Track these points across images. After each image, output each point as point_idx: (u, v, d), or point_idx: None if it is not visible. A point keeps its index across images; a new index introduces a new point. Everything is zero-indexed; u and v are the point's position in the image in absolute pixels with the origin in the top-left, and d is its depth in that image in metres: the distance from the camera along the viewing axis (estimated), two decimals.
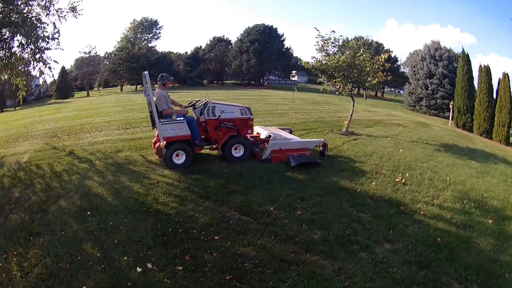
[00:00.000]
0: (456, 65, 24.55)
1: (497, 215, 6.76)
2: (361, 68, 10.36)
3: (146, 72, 6.45)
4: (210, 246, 4.28)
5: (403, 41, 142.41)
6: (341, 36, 10.44)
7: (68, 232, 4.37)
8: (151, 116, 6.60)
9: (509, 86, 19.00)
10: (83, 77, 53.89)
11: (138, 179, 6.11)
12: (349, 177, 7.34)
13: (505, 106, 19.09)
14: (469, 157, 12.45)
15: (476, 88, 21.44)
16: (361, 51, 10.28)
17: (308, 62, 10.74)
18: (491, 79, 20.53)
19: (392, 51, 55.60)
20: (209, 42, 60.98)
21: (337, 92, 11.92)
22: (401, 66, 55.78)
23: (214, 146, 7.20)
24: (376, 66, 10.71)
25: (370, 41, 53.30)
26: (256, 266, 4.01)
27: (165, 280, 3.62)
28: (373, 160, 8.98)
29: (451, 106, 23.73)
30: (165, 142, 6.37)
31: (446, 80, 29.74)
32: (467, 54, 23.08)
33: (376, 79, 10.76)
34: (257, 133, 8.33)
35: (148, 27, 56.08)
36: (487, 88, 20.49)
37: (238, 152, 7.14)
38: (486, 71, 20.69)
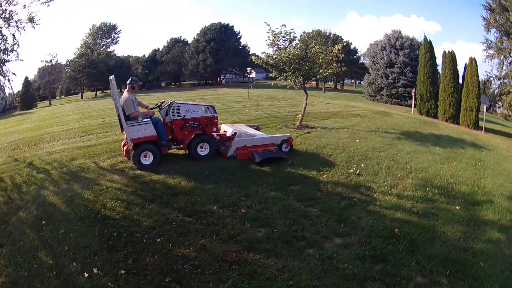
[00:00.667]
0: (418, 53, 27.37)
1: (465, 201, 7.27)
2: (313, 61, 11.60)
3: (112, 76, 7.63)
4: (152, 249, 4.80)
5: (365, 33, 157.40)
6: (291, 29, 11.51)
7: (26, 242, 5.02)
8: (120, 120, 7.50)
9: (477, 71, 21.25)
10: (45, 86, 61.07)
11: (89, 186, 6.95)
12: (298, 171, 7.94)
13: (473, 91, 21.36)
14: (433, 143, 13.34)
15: (440, 74, 24.31)
16: (313, 43, 11.78)
17: (258, 58, 11.85)
18: (456, 65, 23.00)
19: (350, 43, 61.96)
20: (166, 44, 69.08)
21: (288, 86, 13.01)
22: (361, 57, 62.74)
23: (182, 146, 8.28)
24: (330, 58, 11.95)
25: (327, 34, 59.99)
26: (196, 267, 4.46)
27: (109, 284, 4.10)
28: (326, 152, 9.74)
29: (413, 94, 26.50)
30: (132, 143, 7.37)
31: (407, 69, 33.26)
32: (430, 40, 25.65)
33: (329, 71, 12.11)
34: (224, 131, 9.59)
35: (107, 32, 63.98)
36: (452, 73, 22.82)
37: (203, 150, 8.25)
38: (450, 57, 23.04)
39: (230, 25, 64.10)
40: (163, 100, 8.69)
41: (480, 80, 22.16)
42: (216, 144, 8.56)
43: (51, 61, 58.86)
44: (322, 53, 11.85)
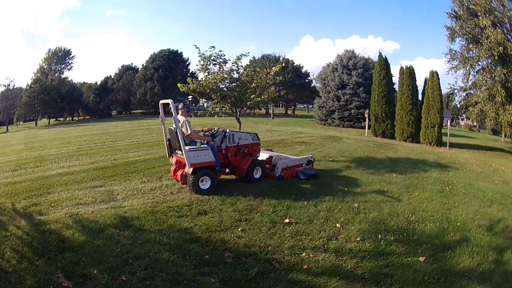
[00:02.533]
0: (373, 72, 27.98)
1: (432, 247, 6.21)
2: (244, 85, 11.51)
3: (171, 100, 8.62)
4: None
5: (320, 56, 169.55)
6: (220, 51, 11.39)
7: None
8: (169, 145, 9.05)
9: (438, 84, 21.98)
10: (3, 111, 62.22)
11: None
12: (206, 224, 6.64)
13: (434, 106, 21.94)
14: (389, 169, 12.47)
15: (397, 92, 25.06)
16: (247, 67, 12.02)
17: (184, 85, 11.37)
18: (415, 80, 23.83)
19: (302, 66, 65.66)
20: (117, 71, 72.49)
21: (216, 116, 12.52)
22: (314, 80, 63.57)
23: (227, 171, 9.30)
24: (265, 82, 11.77)
25: (276, 57, 62.37)
26: None
27: None
28: (252, 195, 8.41)
29: (366, 115, 27.25)
30: (191, 168, 8.01)
31: (361, 89, 34.37)
32: (385, 57, 26.24)
33: (265, 96, 11.77)
34: None
35: (62, 57, 66.60)
36: (410, 90, 23.56)
37: (256, 174, 9.46)
38: (408, 72, 23.78)
39: (179, 51, 67.70)
40: (214, 128, 9.83)
41: (442, 94, 23.11)
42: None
43: (8, 85, 61.34)
44: (256, 76, 11.63)
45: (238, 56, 11.61)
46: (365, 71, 35.89)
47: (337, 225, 6.91)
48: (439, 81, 22.60)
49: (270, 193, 8.48)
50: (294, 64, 64.87)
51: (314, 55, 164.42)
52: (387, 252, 5.85)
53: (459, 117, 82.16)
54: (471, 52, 21.63)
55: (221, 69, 11.53)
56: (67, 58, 67.63)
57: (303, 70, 66.30)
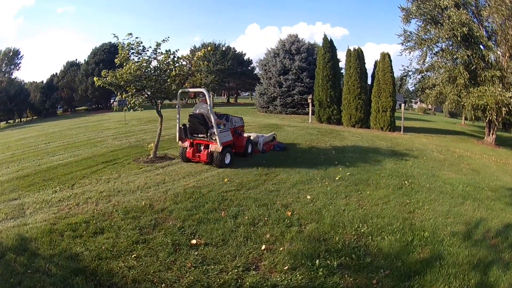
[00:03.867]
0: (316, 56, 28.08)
1: (392, 272, 4.72)
2: (163, 74, 11.25)
3: (205, 88, 10.86)
4: None
5: (266, 44, 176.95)
6: (137, 37, 11.13)
7: None
8: (183, 129, 10.72)
9: (390, 67, 22.07)
10: None
11: None
12: (98, 248, 5.33)
13: (386, 89, 22.03)
14: (334, 161, 11.15)
15: (344, 75, 25.13)
16: (164, 52, 11.33)
17: (99, 78, 11.10)
18: (364, 63, 23.75)
19: (244, 53, 65.90)
20: (62, 68, 70.89)
21: (131, 110, 11.96)
22: (257, 68, 61.56)
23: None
24: (188, 68, 11.76)
25: (216, 45, 61.76)
26: None
27: None
28: (160, 206, 7.03)
29: (309, 100, 26.58)
30: (222, 147, 9.89)
31: (304, 74, 33.78)
32: (330, 39, 25.93)
33: (187, 84, 11.76)
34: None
35: (11, 57, 65.55)
36: (358, 73, 23.33)
37: (249, 149, 11.80)
38: (356, 55, 23.53)
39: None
40: (220, 113, 11.72)
41: (394, 76, 22.95)
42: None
43: None
44: (176, 63, 11.33)
45: (157, 43, 11.19)
46: (309, 55, 35.68)
47: (261, 246, 5.25)
48: (391, 63, 22.45)
49: (179, 203, 7.12)
50: (236, 52, 64.57)
51: (260, 43, 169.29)
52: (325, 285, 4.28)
53: (412, 100, 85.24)
54: (429, 34, 21.56)
55: (139, 58, 11.22)
56: (15, 58, 67.21)
57: (245, 58, 66.10)
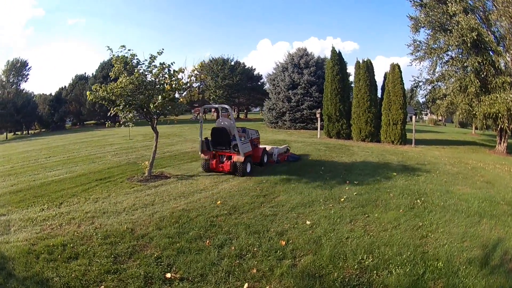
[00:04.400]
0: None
1: None
2: (155, 88, 10.94)
3: (227, 106, 11.94)
4: None
5: (277, 59, 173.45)
6: (129, 50, 10.93)
7: None
8: (206, 142, 11.56)
9: (401, 78, 21.67)
10: None
11: None
12: (68, 275, 4.88)
13: (396, 101, 21.58)
14: (340, 179, 10.41)
15: (353, 88, 24.67)
16: (154, 66, 11.04)
17: (91, 92, 10.85)
18: (374, 75, 23.41)
19: (254, 68, 66.46)
20: (71, 81, 72.99)
21: (123, 126, 11.89)
22: (266, 83, 61.67)
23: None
24: (184, 82, 11.27)
25: (225, 60, 61.66)
26: None
27: None
28: (143, 227, 6.62)
29: (318, 115, 26.54)
30: (243, 156, 10.83)
31: (313, 88, 33.97)
32: (339, 51, 25.55)
33: (183, 99, 11.48)
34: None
35: (19, 68, 67.21)
36: (368, 85, 22.97)
37: (265, 160, 12.68)
38: (366, 67, 23.16)
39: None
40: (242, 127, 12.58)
41: (405, 88, 22.36)
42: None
43: None
44: (172, 77, 11.02)
45: (152, 55, 10.94)
46: (318, 69, 35.25)
47: (244, 284, 4.51)
48: (401, 74, 21.89)
49: (163, 228, 6.54)
50: (246, 67, 64.36)
51: (271, 59, 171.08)
52: None
53: (422, 112, 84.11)
54: (439, 42, 20.97)
55: (134, 72, 10.91)
56: (23, 69, 68.22)
57: (255, 73, 65.93)
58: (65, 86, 74.21)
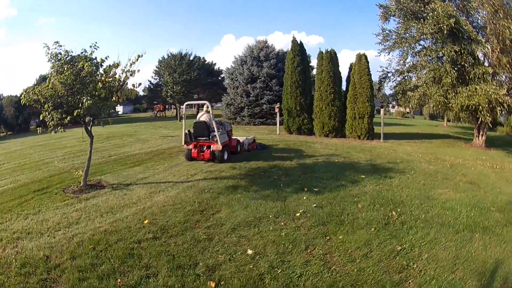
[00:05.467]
0: None
1: None
2: (85, 87, 9.97)
3: (207, 102, 14.00)
4: None
5: (237, 53, 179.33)
6: (61, 46, 9.90)
7: None
8: (188, 134, 12.93)
9: (368, 68, 20.75)
10: None
11: None
12: None
13: (363, 93, 20.66)
14: (297, 187, 8.92)
15: (315, 81, 23.64)
16: (85, 64, 9.95)
17: (24, 96, 10.11)
18: (338, 66, 22.39)
19: (214, 63, 65.49)
20: (35, 82, 67.45)
21: (53, 132, 10.78)
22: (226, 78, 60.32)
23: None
24: (119, 80, 10.35)
25: (182, 55, 60.22)
26: None
27: None
28: (59, 255, 5.56)
29: (277, 110, 25.06)
30: (221, 145, 12.30)
31: (274, 81, 32.86)
32: (300, 42, 24.52)
33: (116, 97, 10.41)
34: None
35: None
36: (331, 77, 21.88)
37: (238, 148, 14.60)
38: (329, 57, 22.03)
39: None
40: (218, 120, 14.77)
41: (372, 80, 21.47)
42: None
43: None
44: (106, 73, 10.24)
45: (84, 49, 10.38)
46: (279, 61, 34.16)
47: None
48: (368, 65, 20.94)
49: (77, 257, 5.35)
50: (206, 62, 63.36)
51: (234, 53, 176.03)
52: None
53: (389, 104, 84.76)
54: (411, 31, 20.14)
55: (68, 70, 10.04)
56: None
57: (215, 68, 64.88)
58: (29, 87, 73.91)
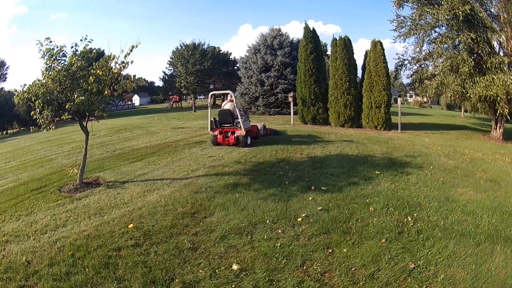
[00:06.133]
0: None
1: None
2: (77, 82, 9.86)
3: (230, 91, 15.75)
4: None
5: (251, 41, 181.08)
6: (51, 41, 9.60)
7: None
8: (214, 122, 14.34)
9: (383, 56, 19.96)
10: None
11: None
12: None
13: (379, 82, 19.79)
14: (304, 184, 8.21)
15: (330, 68, 23.04)
16: (73, 59, 9.79)
17: (17, 94, 9.62)
18: (353, 53, 21.55)
19: (230, 53, 65.11)
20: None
21: (45, 130, 10.36)
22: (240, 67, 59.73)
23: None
24: (112, 74, 9.95)
25: (196, 45, 59.05)
26: None
27: None
28: (40, 260, 5.34)
29: (290, 99, 24.31)
30: (245, 131, 13.58)
31: (288, 70, 32.48)
32: (313, 29, 23.53)
33: (107, 91, 9.95)
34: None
35: None
36: (346, 64, 21.06)
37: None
38: (343, 44, 21.20)
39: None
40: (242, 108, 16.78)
41: (388, 68, 20.64)
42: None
43: None
44: (93, 69, 9.89)
45: (74, 43, 10.01)
46: (294, 50, 33.27)
47: None
48: (383, 52, 20.06)
49: (55, 264, 5.06)
50: (221, 52, 62.75)
51: (248, 43, 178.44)
52: None
53: (407, 93, 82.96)
54: (425, 18, 19.35)
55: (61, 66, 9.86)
56: (1, 69, 68.38)
57: (231, 57, 64.10)
58: None
